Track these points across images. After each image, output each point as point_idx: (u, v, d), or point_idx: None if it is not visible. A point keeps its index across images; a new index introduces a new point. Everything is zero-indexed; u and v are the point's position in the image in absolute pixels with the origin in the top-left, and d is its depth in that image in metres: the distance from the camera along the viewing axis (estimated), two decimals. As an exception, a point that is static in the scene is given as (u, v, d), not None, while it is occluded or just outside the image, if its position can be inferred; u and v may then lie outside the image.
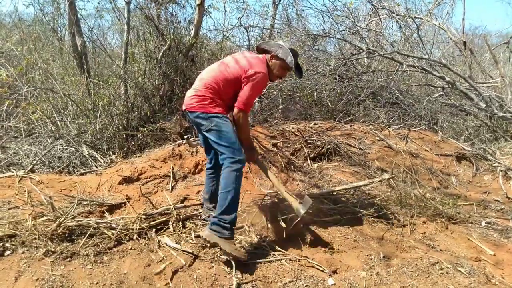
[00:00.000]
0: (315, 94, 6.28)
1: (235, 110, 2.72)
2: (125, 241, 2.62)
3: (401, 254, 2.75)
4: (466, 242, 3.00)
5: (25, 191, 3.16)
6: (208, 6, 6.63)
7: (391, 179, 3.74)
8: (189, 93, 2.78)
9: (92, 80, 5.18)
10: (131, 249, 2.55)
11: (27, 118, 4.67)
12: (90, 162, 4.15)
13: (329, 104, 6.19)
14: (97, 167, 4.06)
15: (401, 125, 5.61)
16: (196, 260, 2.48)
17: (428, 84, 6.87)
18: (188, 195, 3.43)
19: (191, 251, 2.54)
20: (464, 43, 6.55)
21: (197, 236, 2.73)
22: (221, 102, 2.73)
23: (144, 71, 5.38)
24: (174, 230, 2.85)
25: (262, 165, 3.08)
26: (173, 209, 3.04)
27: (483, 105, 5.89)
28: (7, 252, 2.37)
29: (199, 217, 3.06)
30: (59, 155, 4.16)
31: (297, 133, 4.68)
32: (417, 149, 4.81)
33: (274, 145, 4.35)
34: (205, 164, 3.77)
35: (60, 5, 7.47)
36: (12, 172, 3.54)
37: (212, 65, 2.92)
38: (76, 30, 5.64)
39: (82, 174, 3.87)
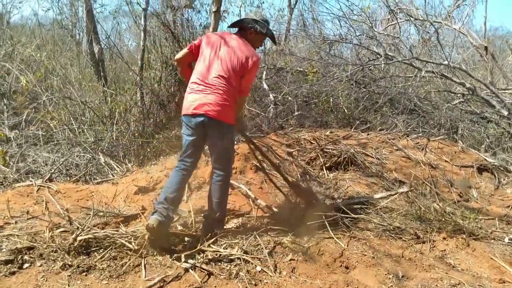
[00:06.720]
0: (331, 100, 6.21)
1: (243, 96, 2.85)
2: (141, 256, 2.61)
3: (420, 273, 2.67)
4: (488, 261, 2.89)
5: (43, 201, 3.20)
6: (223, 11, 6.63)
7: (409, 192, 3.66)
8: (211, 95, 2.60)
9: (108, 90, 5.22)
10: (146, 264, 2.54)
11: (46, 125, 4.76)
12: (106, 170, 4.19)
13: (346, 110, 6.10)
14: (113, 176, 4.10)
15: (420, 134, 5.48)
16: (211, 277, 2.46)
17: (447, 91, 6.71)
18: (203, 206, 3.41)
19: (205, 267, 2.52)
20: (486, 48, 6.39)
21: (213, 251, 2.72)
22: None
23: (160, 77, 5.41)
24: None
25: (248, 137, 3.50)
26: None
27: (506, 112, 5.73)
28: (26, 265, 2.39)
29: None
30: (76, 163, 4.21)
31: (312, 142, 4.62)
32: (436, 160, 4.69)
33: (290, 153, 4.30)
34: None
35: (77, 10, 7.60)
36: (31, 181, 3.60)
37: (216, 51, 2.73)
38: (93, 37, 5.72)
39: (98, 183, 3.91)
